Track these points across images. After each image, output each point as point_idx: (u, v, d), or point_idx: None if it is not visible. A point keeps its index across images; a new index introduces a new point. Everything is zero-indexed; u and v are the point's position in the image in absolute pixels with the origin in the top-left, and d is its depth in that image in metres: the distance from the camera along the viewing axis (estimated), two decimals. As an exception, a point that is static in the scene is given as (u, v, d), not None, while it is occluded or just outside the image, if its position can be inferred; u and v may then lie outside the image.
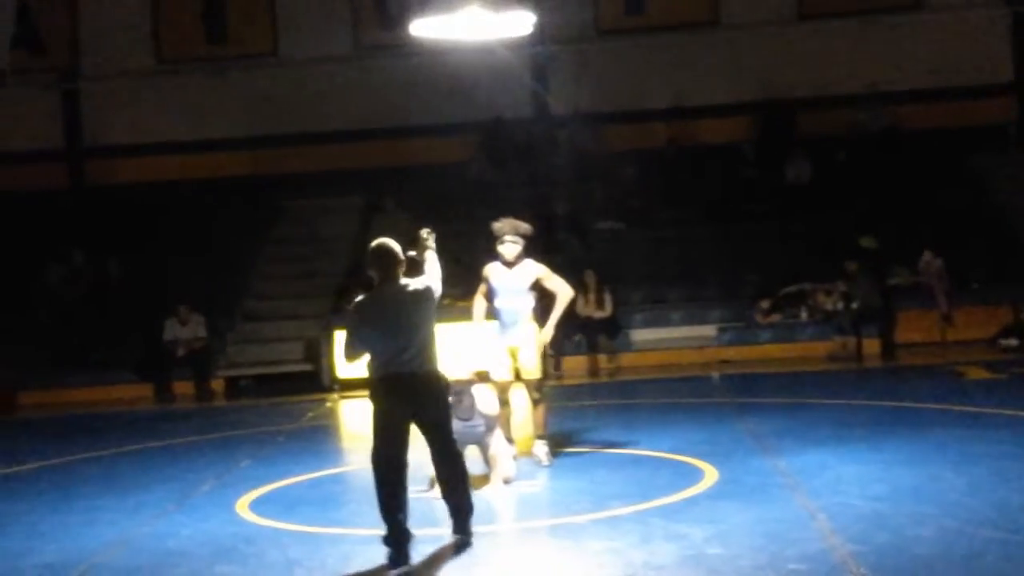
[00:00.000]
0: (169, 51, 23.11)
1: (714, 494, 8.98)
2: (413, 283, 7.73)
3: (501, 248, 10.32)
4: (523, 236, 10.37)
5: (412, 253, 8.03)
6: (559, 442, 11.22)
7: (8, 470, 12.17)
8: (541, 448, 10.48)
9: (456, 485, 7.91)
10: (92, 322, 19.72)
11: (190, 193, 21.73)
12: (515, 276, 10.31)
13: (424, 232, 8.19)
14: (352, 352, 7.91)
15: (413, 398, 7.67)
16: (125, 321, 19.51)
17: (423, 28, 13.11)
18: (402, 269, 7.72)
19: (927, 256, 18.83)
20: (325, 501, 9.88)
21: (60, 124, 23.09)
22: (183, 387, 18.43)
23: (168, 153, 22.65)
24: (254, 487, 10.22)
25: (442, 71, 21.00)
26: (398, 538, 7.56)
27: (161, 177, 22.27)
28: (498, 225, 10.43)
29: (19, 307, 19.82)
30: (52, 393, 18.24)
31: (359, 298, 7.79)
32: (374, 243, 7.81)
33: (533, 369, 10.40)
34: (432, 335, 7.75)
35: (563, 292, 10.39)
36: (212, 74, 22.92)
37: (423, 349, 7.66)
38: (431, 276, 7.95)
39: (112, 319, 19.63)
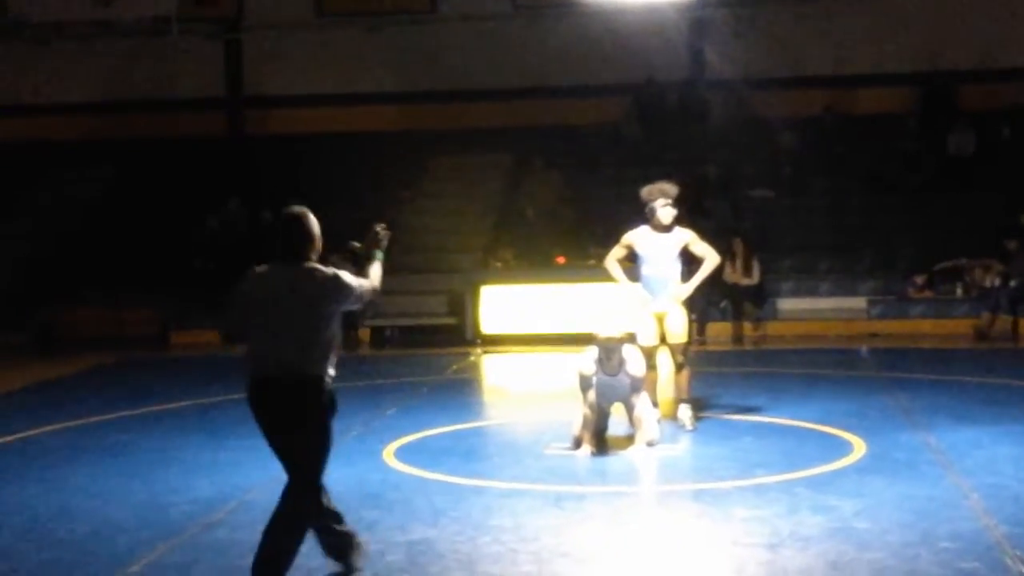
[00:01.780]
0: (329, 4, 23.35)
1: (863, 467, 8.83)
2: (321, 270, 6.12)
3: (660, 212, 10.21)
4: (670, 197, 10.27)
5: (356, 245, 6.71)
6: (702, 408, 11.16)
7: (163, 407, 12.53)
8: (685, 412, 10.43)
9: (280, 532, 6.14)
10: (245, 269, 20.11)
11: (343, 145, 22.00)
12: (665, 241, 10.23)
13: (379, 227, 6.71)
14: (225, 332, 6.54)
15: (276, 411, 6.08)
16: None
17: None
18: (315, 251, 6.19)
19: (1091, 236, 18.19)
20: (468, 453, 9.97)
21: (222, 73, 23.52)
22: (330, 335, 18.74)
23: (323, 105, 22.97)
24: (400, 436, 10.36)
25: (599, 31, 20.92)
26: None
27: (316, 128, 22.60)
28: (648, 189, 10.35)
29: (178, 252, 20.34)
30: (203, 334, 18.70)
31: (252, 270, 6.31)
32: (288, 209, 6.29)
33: (680, 334, 10.33)
34: (326, 341, 6.08)
35: (710, 257, 10.30)
36: (370, 28, 23.12)
37: (305, 353, 6.00)
38: (368, 279, 6.39)
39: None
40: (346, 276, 6.14)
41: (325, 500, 6.27)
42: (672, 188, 10.37)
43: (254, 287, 6.16)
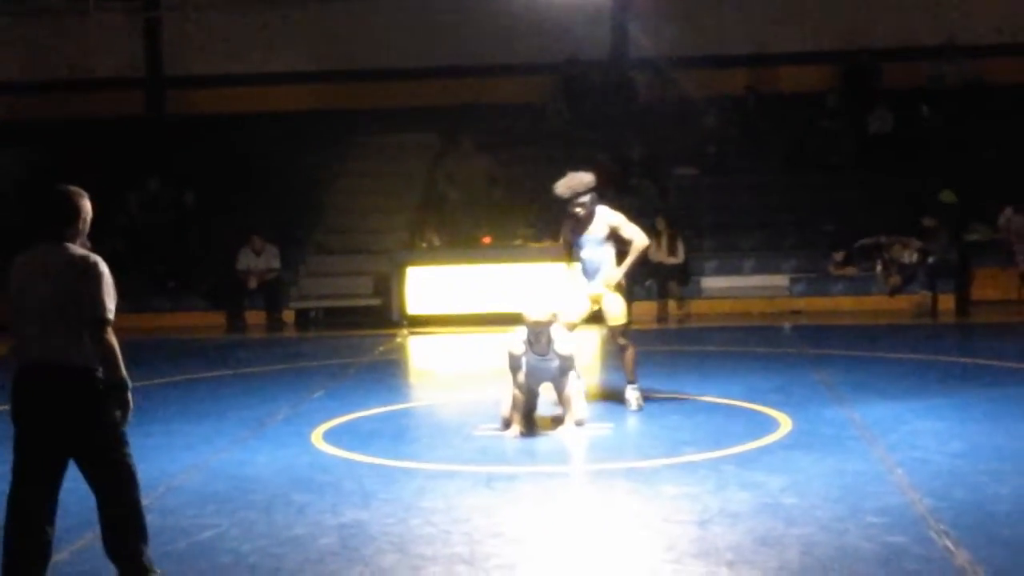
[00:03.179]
0: (250, -18, 23.13)
1: (789, 444, 8.93)
2: (83, 252, 5.65)
3: (572, 211, 10.15)
4: (585, 191, 10.15)
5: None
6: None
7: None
8: (632, 393, 10.43)
9: (123, 539, 5.76)
10: (167, 250, 19.93)
11: (266, 125, 21.81)
12: (590, 229, 10.21)
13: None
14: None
15: (47, 407, 5.59)
16: (199, 250, 19.72)
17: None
18: (79, 232, 5.73)
19: (1008, 212, 18.54)
20: (397, 435, 9.95)
21: (141, 52, 23.20)
22: (254, 317, 18.62)
23: (246, 84, 22.76)
24: (328, 418, 10.31)
25: (522, 8, 20.87)
26: None
27: (238, 108, 22.38)
28: (557, 192, 10.21)
29: (97, 234, 20.00)
30: (126, 318, 18.36)
31: (20, 253, 5.79)
32: (56, 186, 5.82)
33: (616, 315, 10.36)
34: (95, 326, 5.57)
35: (638, 240, 10.31)
36: (292, 6, 22.90)
37: (73, 338, 5.54)
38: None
39: (187, 248, 19.84)
40: (103, 274, 5.62)
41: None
42: (581, 180, 10.19)
43: (16, 270, 5.70)
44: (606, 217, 10.27)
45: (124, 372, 5.70)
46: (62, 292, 5.57)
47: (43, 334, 5.58)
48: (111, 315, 5.60)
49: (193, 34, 23.08)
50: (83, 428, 5.64)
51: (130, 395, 5.74)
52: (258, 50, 22.95)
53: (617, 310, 10.32)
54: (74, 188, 5.82)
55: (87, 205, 5.81)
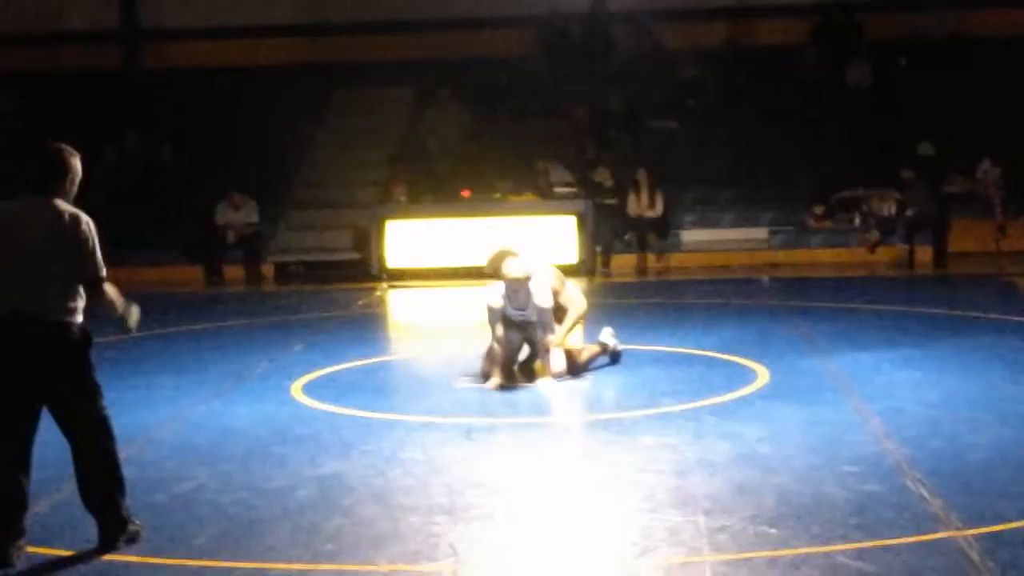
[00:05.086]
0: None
1: (766, 394, 8.98)
2: (73, 210, 5.67)
3: (510, 273, 9.44)
4: (509, 276, 9.42)
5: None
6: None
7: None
8: (607, 334, 10.35)
9: (100, 490, 5.79)
10: (145, 204, 19.84)
11: (245, 78, 21.66)
12: (528, 294, 9.51)
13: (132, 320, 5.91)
14: None
15: (22, 358, 5.62)
16: (178, 204, 19.63)
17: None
18: (65, 188, 5.71)
19: (985, 164, 18.59)
20: (377, 388, 9.98)
21: (116, 5, 22.98)
22: (233, 271, 18.58)
23: (223, 38, 22.56)
24: (307, 371, 10.32)
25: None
26: None
27: (216, 62, 22.21)
28: (490, 265, 9.68)
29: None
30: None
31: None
32: (50, 143, 5.82)
33: (573, 353, 9.88)
34: (94, 284, 5.68)
35: (577, 305, 9.89)
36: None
37: (51, 291, 5.58)
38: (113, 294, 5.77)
39: (165, 202, 19.74)
40: (94, 232, 5.67)
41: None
42: (500, 258, 9.57)
43: None
44: (540, 277, 9.63)
45: (124, 302, 5.83)
46: (48, 246, 5.58)
47: (19, 286, 5.58)
48: (104, 271, 5.69)
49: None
50: (57, 379, 5.67)
51: (136, 308, 5.87)
52: (236, 3, 22.75)
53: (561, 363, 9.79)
54: (66, 146, 5.81)
55: (77, 164, 5.81)
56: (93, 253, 5.65)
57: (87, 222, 5.67)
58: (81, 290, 5.72)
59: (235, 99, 21.08)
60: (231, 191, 18.63)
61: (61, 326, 5.62)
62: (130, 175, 20.41)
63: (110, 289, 5.75)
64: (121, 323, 5.86)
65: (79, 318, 5.72)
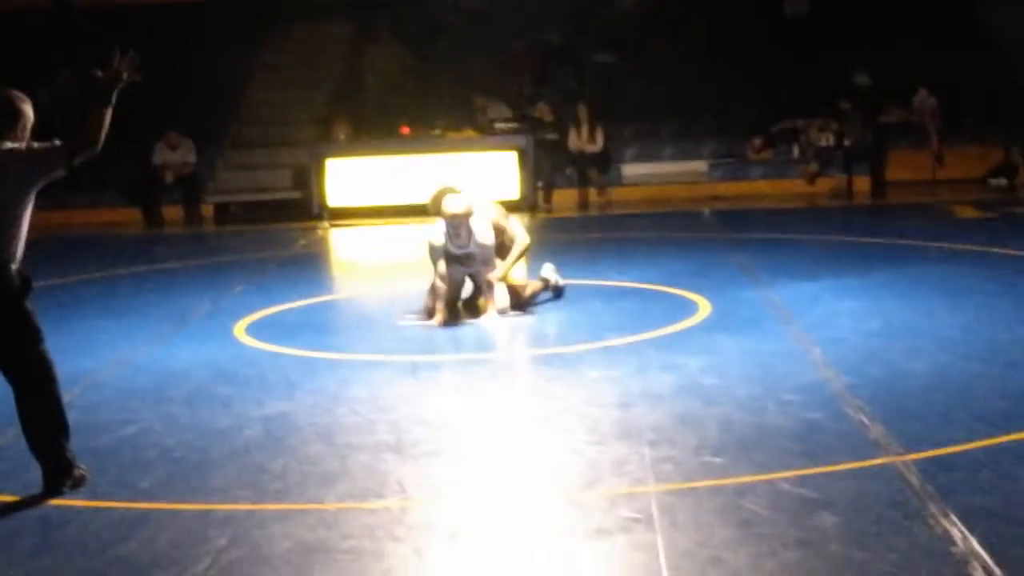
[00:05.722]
0: None
1: (708, 326, 9.06)
2: (10, 148, 5.66)
3: (450, 209, 9.43)
4: (449, 212, 9.42)
5: (99, 74, 5.95)
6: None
7: (2, 291, 12.18)
8: (549, 270, 10.39)
9: (44, 434, 5.77)
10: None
11: (177, 16, 21.33)
12: (470, 230, 9.50)
13: (126, 63, 5.93)
14: None
15: None
16: (115, 145, 19.34)
17: None
18: (14, 133, 5.72)
19: (922, 94, 18.73)
20: (320, 327, 9.94)
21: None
22: (172, 212, 18.40)
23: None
24: (250, 312, 10.27)
25: None
26: None
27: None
28: (432, 204, 9.69)
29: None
30: (41, 215, 18.06)
31: None
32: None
33: (516, 288, 9.88)
34: (11, 221, 5.62)
35: (520, 240, 9.85)
36: None
37: None
38: (84, 131, 5.69)
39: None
40: (37, 145, 5.63)
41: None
42: (447, 190, 9.64)
43: None
44: (482, 213, 9.63)
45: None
46: None
47: None
48: (77, 149, 5.63)
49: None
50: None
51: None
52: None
53: (511, 293, 9.84)
54: (16, 91, 5.76)
55: (28, 109, 5.77)
56: (54, 152, 5.62)
57: (23, 150, 5.62)
58: (21, 234, 5.65)
59: (170, 37, 20.75)
60: (168, 131, 18.41)
61: (1, 268, 5.57)
62: (64, 116, 20.08)
63: (89, 135, 5.61)
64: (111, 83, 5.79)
65: (16, 264, 5.66)
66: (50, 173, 5.70)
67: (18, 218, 5.66)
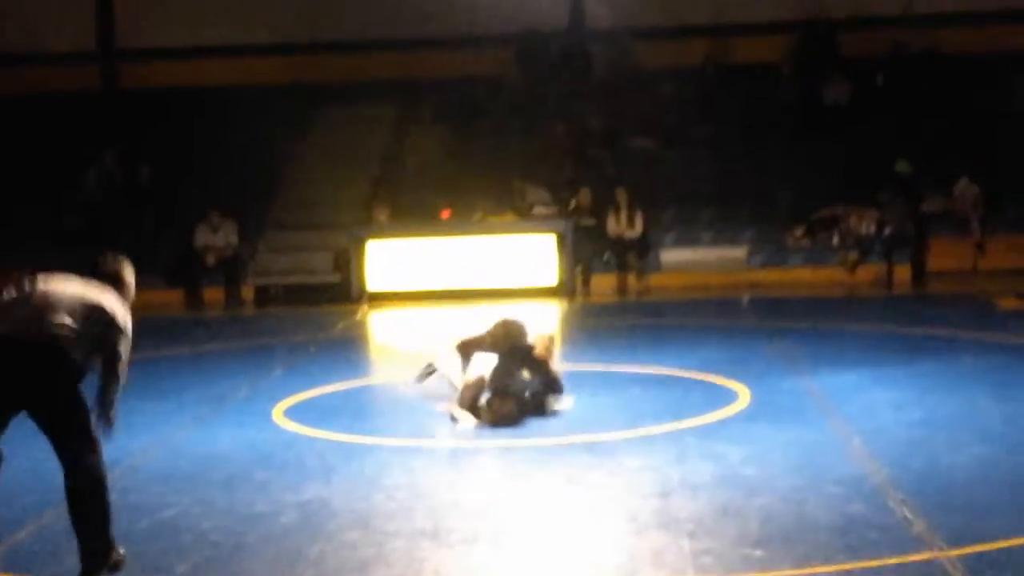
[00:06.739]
0: (204, -48, 22.90)
1: (748, 415, 9.00)
2: (122, 306, 6.03)
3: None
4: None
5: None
6: (589, 359, 11.25)
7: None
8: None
9: (89, 514, 5.79)
10: (123, 227, 19.77)
11: (223, 98, 21.62)
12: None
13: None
14: None
15: (20, 368, 5.75)
16: (157, 226, 19.58)
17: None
18: (127, 296, 6.12)
19: (963, 183, 18.67)
20: (359, 411, 9.96)
21: (93, 25, 22.94)
22: (213, 294, 18.51)
23: (200, 58, 22.53)
24: (289, 395, 10.28)
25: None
26: None
27: (193, 82, 22.16)
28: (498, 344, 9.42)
29: (52, 210, 19.87)
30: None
31: None
32: (107, 258, 6.23)
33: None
34: (89, 344, 5.86)
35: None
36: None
37: (66, 332, 5.77)
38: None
39: (144, 224, 19.69)
40: (127, 324, 5.95)
41: None
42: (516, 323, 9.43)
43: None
44: None
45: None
46: (88, 311, 5.82)
47: (40, 321, 5.74)
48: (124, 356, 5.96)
49: (147, 6, 22.85)
50: (54, 395, 5.77)
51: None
52: (215, 23, 22.74)
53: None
54: (124, 260, 6.18)
55: (131, 279, 6.17)
56: (119, 338, 5.88)
57: (127, 317, 5.94)
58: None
59: (214, 120, 21.04)
60: (210, 212, 18.59)
61: (63, 351, 5.74)
62: (110, 197, 20.36)
63: (122, 373, 5.91)
64: (105, 406, 5.91)
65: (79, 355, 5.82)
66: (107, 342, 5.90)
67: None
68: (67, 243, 19.21)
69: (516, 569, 5.80)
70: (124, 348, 5.94)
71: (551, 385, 9.30)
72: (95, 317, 5.84)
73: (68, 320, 5.76)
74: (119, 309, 5.95)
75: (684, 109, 21.03)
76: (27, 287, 5.91)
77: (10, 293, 5.92)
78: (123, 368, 5.95)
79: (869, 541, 5.93)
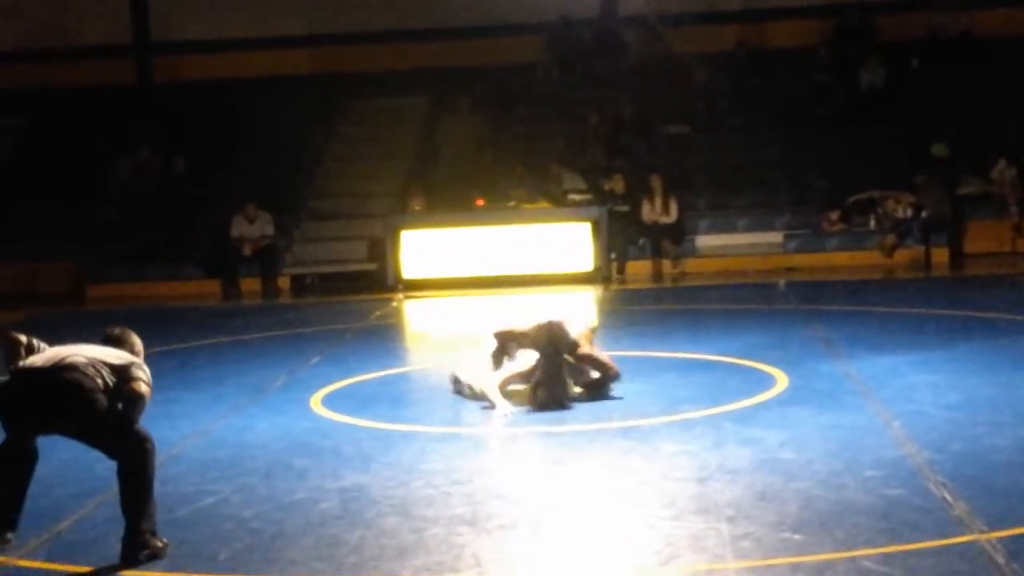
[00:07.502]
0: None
1: (786, 399, 8.97)
2: (133, 358, 6.37)
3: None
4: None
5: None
6: (625, 347, 11.23)
7: (83, 362, 12.34)
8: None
9: (136, 498, 5.95)
10: (160, 218, 19.91)
11: (257, 90, 21.72)
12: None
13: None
14: None
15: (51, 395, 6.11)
16: (193, 218, 19.70)
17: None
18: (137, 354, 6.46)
19: (1001, 165, 18.54)
20: (396, 399, 9.99)
21: (128, 19, 23.08)
22: (249, 284, 18.60)
23: (235, 50, 22.64)
24: (326, 383, 10.33)
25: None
26: None
27: (228, 74, 22.28)
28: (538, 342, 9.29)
29: (89, 202, 20.02)
30: (120, 287, 18.47)
31: None
32: (112, 330, 6.57)
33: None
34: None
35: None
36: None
37: (88, 376, 6.07)
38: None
39: (180, 216, 19.81)
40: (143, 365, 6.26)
41: None
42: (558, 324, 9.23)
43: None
44: None
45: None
46: (107, 362, 6.16)
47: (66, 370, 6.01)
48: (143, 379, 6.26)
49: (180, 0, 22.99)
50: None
51: None
52: (247, 15, 22.83)
53: None
54: (126, 330, 6.53)
55: (139, 341, 6.49)
56: (136, 371, 6.17)
57: (140, 360, 6.26)
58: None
59: (248, 111, 21.13)
60: (246, 203, 18.67)
61: (81, 376, 6.00)
62: (145, 189, 20.48)
63: (144, 391, 6.11)
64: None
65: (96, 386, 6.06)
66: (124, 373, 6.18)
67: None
68: (109, 236, 19.37)
69: (554, 555, 5.81)
70: (143, 373, 6.16)
71: (606, 374, 9.29)
72: (109, 363, 6.10)
73: (84, 360, 6.03)
74: (128, 356, 6.23)
75: (717, 95, 20.96)
76: (40, 347, 6.24)
77: (24, 351, 6.20)
78: (146, 395, 6.16)
79: (909, 524, 5.91)
